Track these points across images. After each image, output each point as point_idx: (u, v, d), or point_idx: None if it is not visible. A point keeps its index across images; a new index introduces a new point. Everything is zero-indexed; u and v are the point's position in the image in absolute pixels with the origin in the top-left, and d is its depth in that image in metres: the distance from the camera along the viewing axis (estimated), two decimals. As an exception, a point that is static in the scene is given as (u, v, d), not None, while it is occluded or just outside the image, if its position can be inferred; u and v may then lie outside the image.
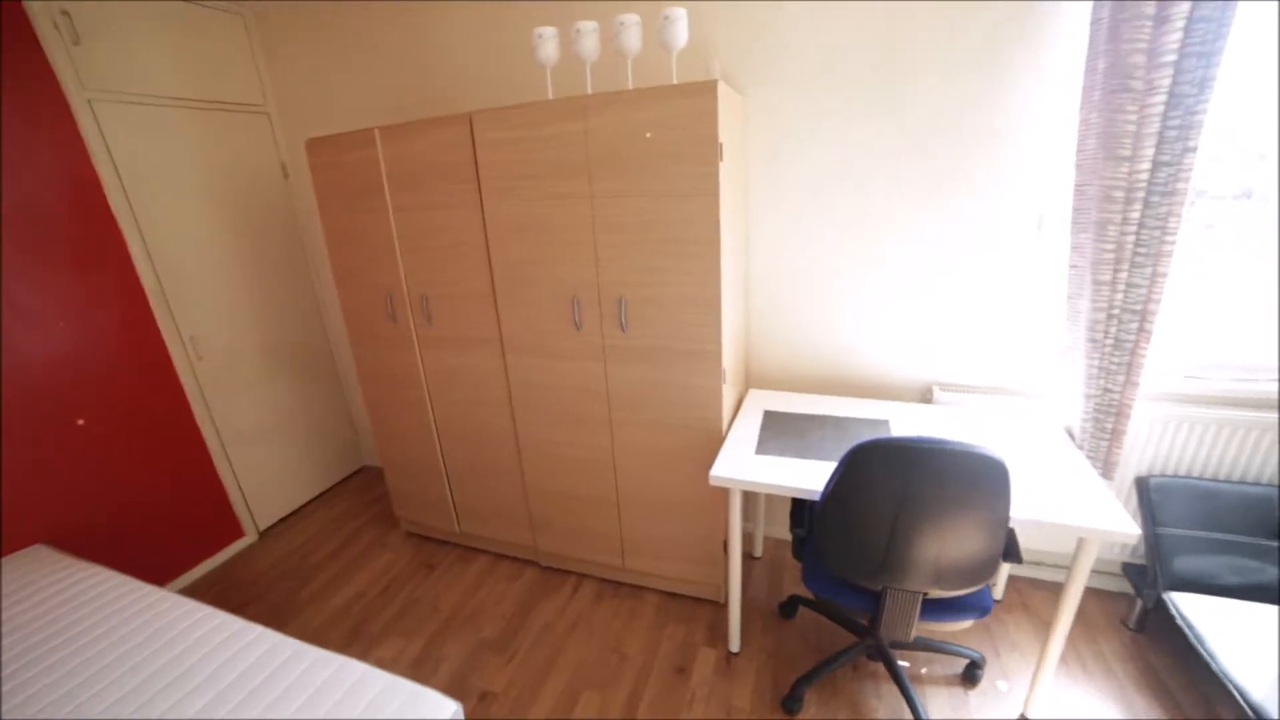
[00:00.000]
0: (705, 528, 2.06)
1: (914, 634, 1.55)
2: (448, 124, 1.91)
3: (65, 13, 2.13)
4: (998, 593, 2.15)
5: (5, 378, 2.05)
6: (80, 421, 2.27)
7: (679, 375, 1.87)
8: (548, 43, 1.85)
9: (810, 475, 1.62)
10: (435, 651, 2.10)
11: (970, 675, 1.84)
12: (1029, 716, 1.69)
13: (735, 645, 2.01)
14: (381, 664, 2.06)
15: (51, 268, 2.16)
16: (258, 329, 2.89)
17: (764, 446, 1.80)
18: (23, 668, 1.48)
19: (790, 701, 1.78)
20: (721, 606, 2.20)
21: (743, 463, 1.71)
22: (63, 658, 1.51)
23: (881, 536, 1.39)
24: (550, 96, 1.86)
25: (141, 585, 1.80)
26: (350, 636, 2.19)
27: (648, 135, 1.66)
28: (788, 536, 2.57)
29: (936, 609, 1.55)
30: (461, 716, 1.28)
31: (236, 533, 2.84)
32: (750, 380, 2.34)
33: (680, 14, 1.69)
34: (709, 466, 1.95)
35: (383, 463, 2.65)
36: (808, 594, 2.23)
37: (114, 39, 2.28)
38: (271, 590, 2.50)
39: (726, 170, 1.71)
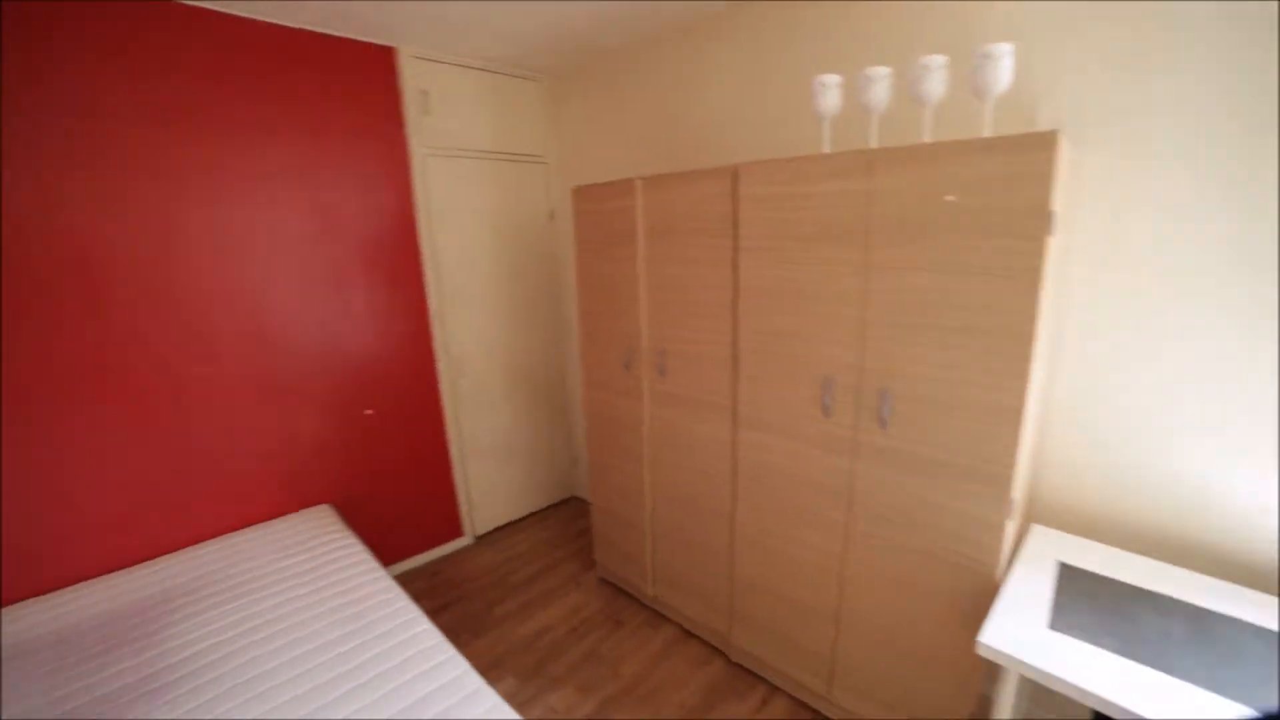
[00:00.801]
0: (950, 688, 1.59)
1: None
2: (710, 177, 1.82)
3: (424, 91, 2.61)
4: None
5: (338, 366, 2.53)
6: (368, 411, 2.68)
7: (945, 495, 1.48)
8: (831, 91, 1.66)
9: (1153, 693, 1.09)
10: (607, 717, 1.96)
11: None
12: None
13: None
14: (553, 713, 1.99)
15: (375, 284, 2.61)
16: (507, 355, 3.17)
17: (1063, 619, 1.29)
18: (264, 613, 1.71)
19: None
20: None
21: (1028, 636, 1.24)
22: (286, 613, 1.72)
23: None
24: (827, 149, 1.66)
25: (379, 569, 2.01)
26: (533, 671, 2.18)
27: (948, 199, 1.35)
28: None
29: None
30: None
31: (457, 533, 3.11)
32: (1032, 513, 1.78)
33: (1005, 51, 1.36)
34: (969, 616, 1.49)
35: (592, 501, 2.65)
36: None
37: (449, 106, 2.72)
38: (475, 598, 2.65)
39: (1053, 246, 1.31)
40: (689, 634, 2.37)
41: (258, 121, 2.22)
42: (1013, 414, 1.33)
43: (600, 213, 2.22)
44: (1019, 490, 1.43)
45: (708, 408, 2.00)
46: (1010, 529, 1.43)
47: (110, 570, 2.08)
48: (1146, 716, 1.04)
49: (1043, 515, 1.74)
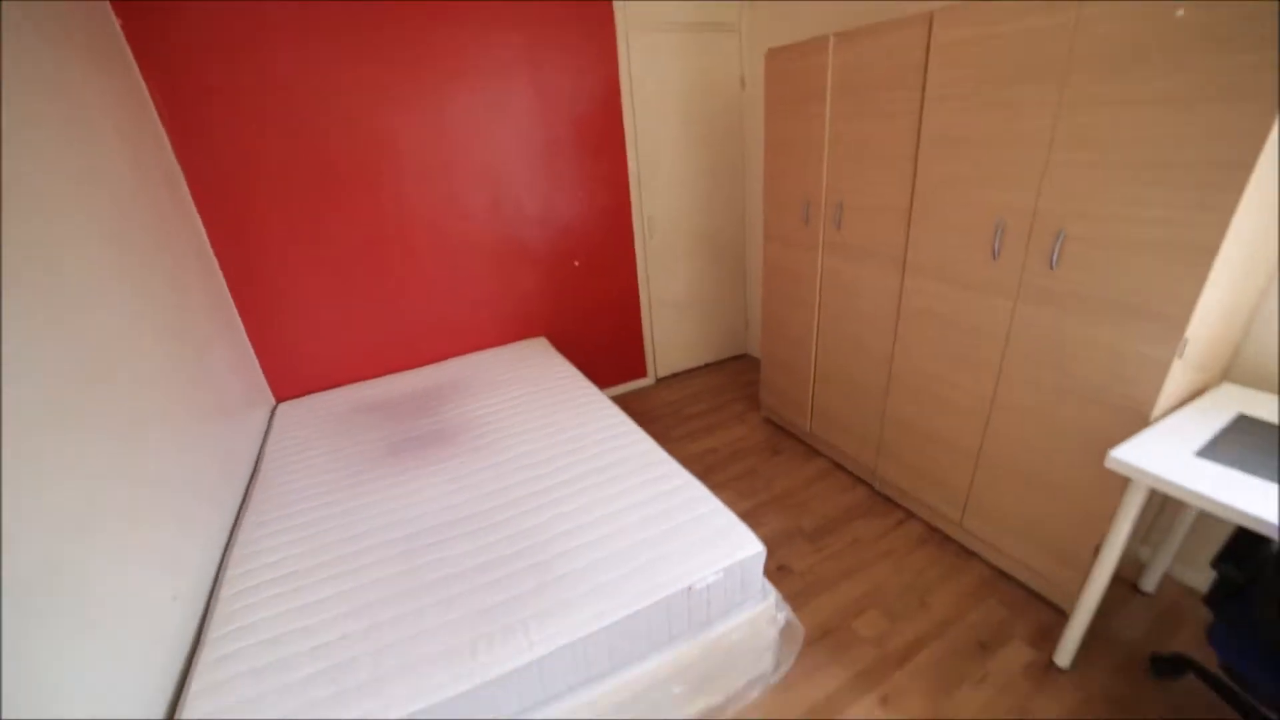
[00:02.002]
0: (1078, 521, 1.72)
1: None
2: (905, 26, 1.84)
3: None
4: None
5: (554, 225, 3.05)
6: (576, 263, 3.23)
7: (1109, 334, 1.52)
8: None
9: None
10: (758, 516, 2.40)
11: None
12: None
13: (1065, 661, 1.70)
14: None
15: (584, 152, 3.03)
16: (692, 218, 3.48)
17: (1215, 451, 1.34)
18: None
19: None
20: (1062, 614, 1.86)
21: (1167, 457, 1.34)
22: (524, 400, 2.35)
23: None
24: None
25: (587, 381, 2.58)
26: (699, 476, 2.66)
27: (1179, 13, 1.26)
28: (1195, 582, 1.93)
29: None
30: (763, 559, 1.50)
31: (641, 373, 3.68)
32: (1233, 373, 1.70)
33: None
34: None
35: (761, 351, 2.99)
36: (1206, 662, 1.68)
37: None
38: (655, 423, 3.21)
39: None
40: (838, 466, 2.69)
41: (494, 16, 2.63)
42: (1201, 252, 1.31)
43: (792, 72, 2.32)
44: (1197, 333, 1.42)
45: (878, 257, 2.14)
46: (1179, 372, 1.45)
47: (401, 370, 2.94)
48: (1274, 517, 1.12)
49: (1244, 376, 1.67)
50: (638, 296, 3.46)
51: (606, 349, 3.48)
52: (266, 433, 2.43)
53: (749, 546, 1.47)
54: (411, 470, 1.98)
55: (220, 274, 2.46)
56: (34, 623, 0.99)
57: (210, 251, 2.41)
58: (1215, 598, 1.34)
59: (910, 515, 2.34)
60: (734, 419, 3.19)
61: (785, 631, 1.64)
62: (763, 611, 1.52)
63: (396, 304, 2.86)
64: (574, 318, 3.32)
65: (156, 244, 1.91)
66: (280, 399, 2.77)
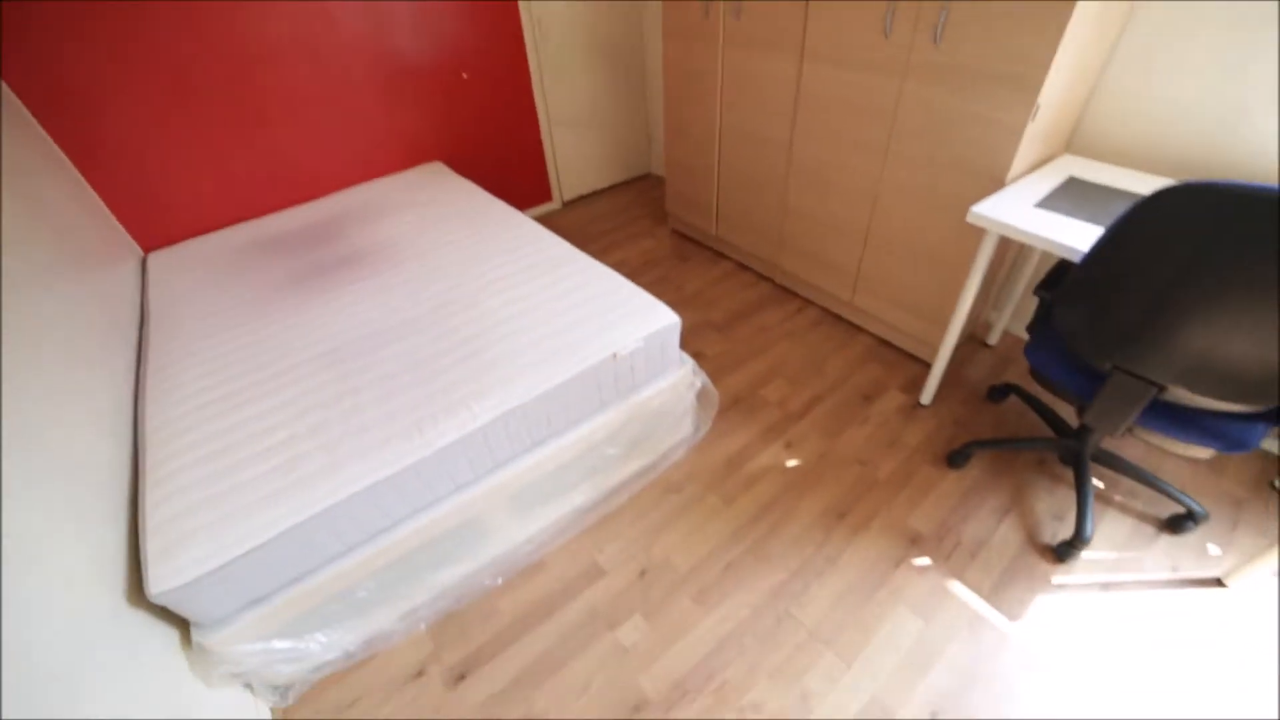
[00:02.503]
0: (944, 283, 2.00)
1: (1125, 430, 1.43)
2: None
3: None
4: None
5: (437, 35, 2.71)
6: (465, 75, 2.94)
7: (981, 104, 1.65)
8: None
9: (1091, 238, 1.42)
10: None
11: (1176, 524, 1.65)
12: (1226, 582, 1.52)
13: (926, 398, 2.08)
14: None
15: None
16: (587, 20, 3.19)
17: (1049, 203, 1.59)
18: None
19: (956, 457, 1.86)
20: (928, 367, 2.24)
21: (1013, 209, 1.57)
22: (434, 220, 2.28)
23: (1141, 308, 1.20)
24: None
25: (490, 196, 2.50)
26: (615, 288, 2.80)
27: None
28: (1024, 333, 2.36)
29: (1173, 418, 1.38)
30: (679, 329, 1.67)
31: (547, 197, 3.59)
32: (1072, 145, 1.94)
33: None
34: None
35: (665, 156, 2.97)
36: (1025, 383, 2.13)
37: None
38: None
39: None
40: (743, 266, 2.88)
41: None
42: (1057, 18, 1.42)
43: None
44: (1050, 98, 1.59)
45: (778, 47, 2.12)
46: (1030, 139, 1.63)
47: (289, 206, 2.70)
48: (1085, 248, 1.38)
49: (1084, 147, 1.90)
50: (535, 114, 3.25)
51: (508, 173, 3.33)
52: (144, 285, 2.23)
53: (665, 318, 1.62)
54: (323, 295, 1.93)
55: (23, 107, 2.04)
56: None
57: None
58: (1034, 324, 1.66)
59: (808, 302, 2.61)
60: (642, 233, 3.26)
61: (702, 397, 1.87)
62: (682, 377, 1.72)
63: (273, 137, 2.55)
64: (470, 140, 3.11)
65: None
66: (149, 249, 2.50)
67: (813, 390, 2.18)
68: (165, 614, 1.27)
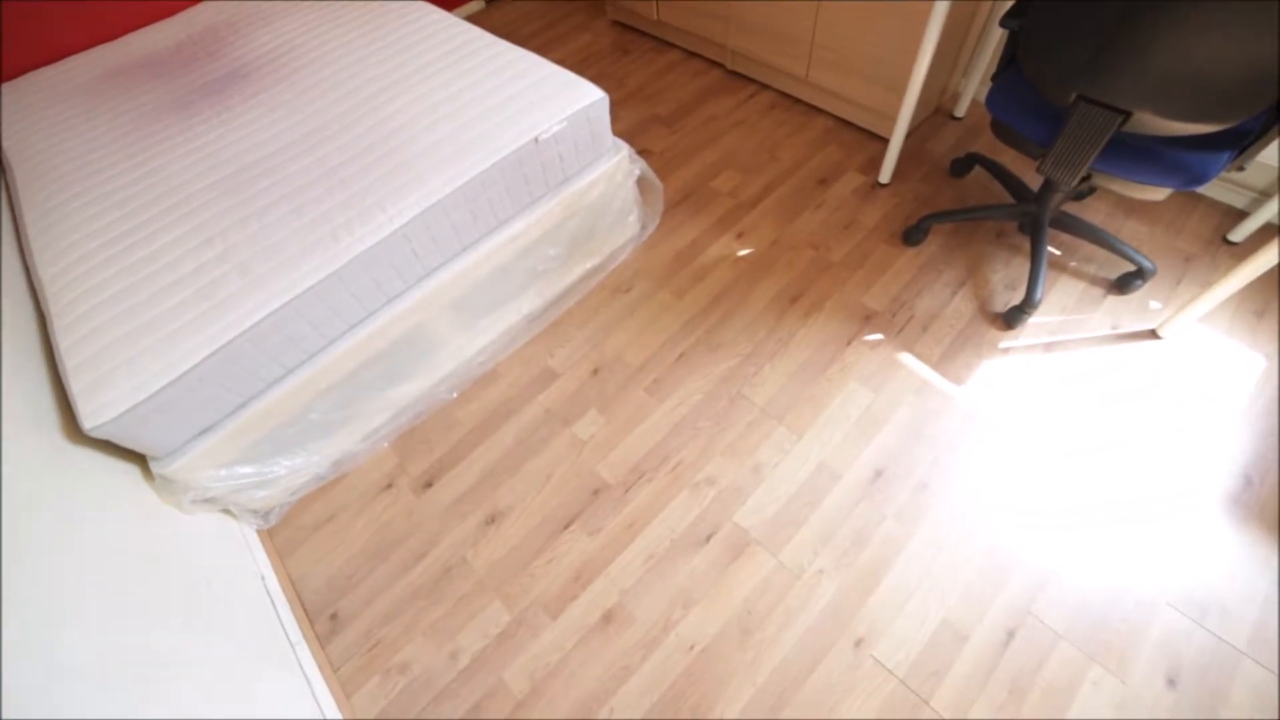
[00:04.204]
0: (903, 43, 1.78)
1: (1086, 172, 1.35)
2: None
3: None
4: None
5: None
6: None
7: None
8: None
9: None
10: (614, 112, 2.32)
11: (1124, 283, 1.64)
12: (1160, 333, 1.55)
13: (885, 177, 1.97)
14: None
15: None
16: None
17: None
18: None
19: (913, 233, 1.80)
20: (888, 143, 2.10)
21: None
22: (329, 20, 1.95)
23: (1113, 19, 1.08)
24: None
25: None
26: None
27: None
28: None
29: (1131, 157, 1.30)
30: (607, 107, 1.50)
31: (468, -3, 3.09)
32: None
33: None
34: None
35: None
36: (990, 151, 2.01)
37: None
38: None
39: None
40: (691, 54, 2.58)
41: None
42: None
43: None
44: None
45: None
46: None
47: (153, 22, 2.27)
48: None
49: None
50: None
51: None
52: (-2, 122, 1.94)
53: (590, 95, 1.45)
54: (213, 117, 1.69)
55: None
56: None
57: None
58: (998, 68, 1.50)
59: (762, 87, 2.37)
60: (578, 29, 2.86)
61: (646, 190, 1.75)
62: (618, 164, 1.59)
63: None
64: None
65: None
66: (2, 80, 2.15)
67: (766, 178, 2.05)
68: (116, 450, 1.26)
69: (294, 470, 1.46)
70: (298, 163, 1.47)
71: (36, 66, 2.17)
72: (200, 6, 2.31)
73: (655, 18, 2.56)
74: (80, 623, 0.90)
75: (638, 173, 1.65)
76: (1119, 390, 1.48)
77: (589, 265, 1.75)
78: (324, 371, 1.35)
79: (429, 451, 1.55)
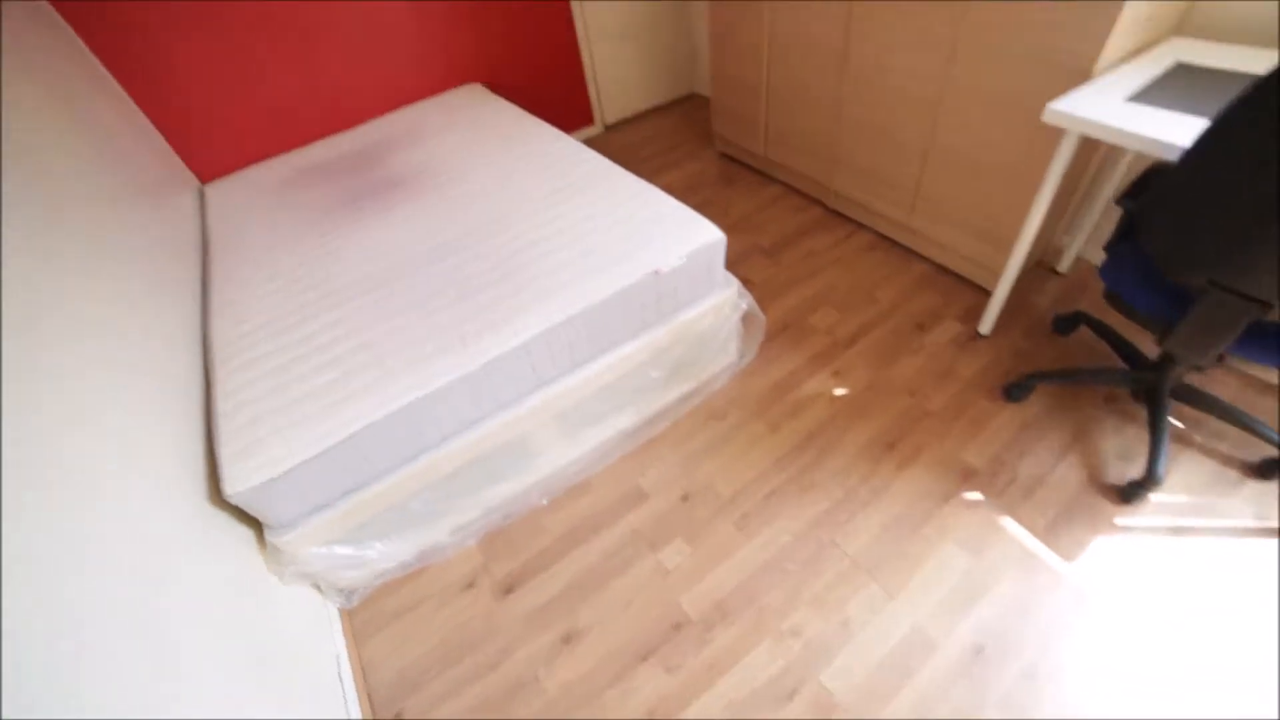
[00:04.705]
0: (1012, 201, 1.84)
1: (1216, 356, 1.31)
2: None
3: None
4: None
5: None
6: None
7: (1066, -14, 1.45)
8: None
9: (1196, 132, 1.23)
10: None
11: (1267, 470, 1.50)
12: None
13: (985, 328, 1.97)
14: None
15: None
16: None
17: (1146, 96, 1.39)
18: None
19: (1015, 389, 1.75)
20: (989, 295, 2.10)
21: (1099, 103, 1.38)
22: (472, 141, 2.23)
23: (1250, 211, 1.04)
24: None
25: (536, 119, 2.42)
26: (658, 215, 2.72)
27: None
28: (1100, 258, 2.16)
29: (1274, 346, 1.25)
30: (724, 246, 1.60)
31: (589, 120, 3.46)
32: (1184, 27, 1.68)
33: None
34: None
35: (711, 71, 2.78)
36: (1098, 311, 1.98)
37: None
38: None
39: None
40: (792, 189, 2.74)
41: None
42: None
43: None
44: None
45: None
46: (1127, 18, 1.42)
47: (331, 134, 2.68)
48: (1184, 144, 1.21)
49: (1198, 27, 1.64)
50: (573, 28, 3.08)
51: (548, 95, 3.20)
52: (203, 214, 2.29)
53: (710, 234, 1.56)
54: (369, 218, 1.94)
55: (84, 46, 2.06)
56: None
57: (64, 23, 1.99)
58: (1113, 240, 1.51)
59: (861, 227, 2.47)
60: (688, 156, 3.12)
61: (748, 321, 1.82)
62: (726, 298, 1.67)
63: (308, 63, 2.50)
64: (508, 60, 2.98)
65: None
66: (205, 180, 2.55)
67: (863, 318, 2.09)
68: (241, 516, 1.36)
69: (385, 554, 1.51)
70: (436, 267, 1.65)
71: (243, 167, 2.57)
72: (370, 124, 2.70)
73: (761, 153, 2.77)
74: (176, 671, 0.94)
75: (744, 307, 1.73)
76: (1267, 593, 1.34)
77: (687, 388, 1.81)
78: (434, 465, 1.43)
79: (514, 555, 1.58)
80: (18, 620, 0.71)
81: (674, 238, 1.56)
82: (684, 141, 3.26)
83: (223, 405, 1.38)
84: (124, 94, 2.21)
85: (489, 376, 1.38)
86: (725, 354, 1.84)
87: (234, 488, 1.23)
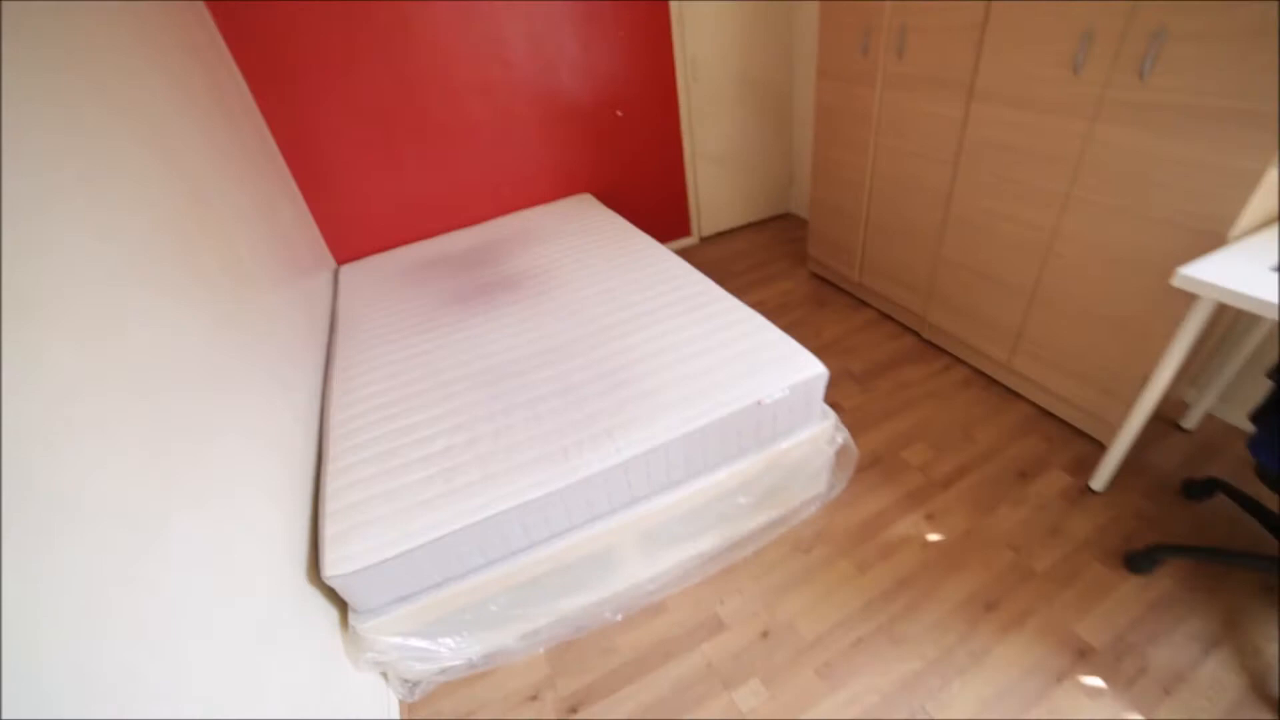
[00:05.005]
0: (1129, 353, 1.75)
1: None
2: None
3: None
4: None
5: (591, 72, 2.90)
6: (619, 113, 3.10)
7: (1197, 149, 1.44)
8: None
9: None
10: None
11: None
12: None
13: (1099, 484, 1.82)
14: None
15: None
16: (737, 59, 3.25)
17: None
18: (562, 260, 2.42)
19: (1140, 559, 1.58)
20: (1101, 447, 1.96)
21: (1240, 272, 1.32)
22: (579, 248, 2.39)
23: None
24: None
25: (636, 230, 2.59)
26: (747, 328, 2.77)
27: None
28: (1237, 421, 1.99)
29: None
30: (825, 381, 1.60)
31: (685, 232, 3.66)
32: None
33: None
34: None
35: (810, 201, 2.91)
36: (1239, 479, 1.79)
37: None
38: None
39: None
40: (886, 316, 2.73)
41: None
42: None
43: None
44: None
45: (942, 85, 2.01)
46: (1269, 183, 1.38)
47: (452, 230, 2.98)
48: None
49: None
50: (681, 150, 3.35)
51: (650, 206, 3.44)
52: (335, 293, 2.56)
53: (813, 368, 1.57)
54: (481, 314, 2.09)
55: (269, 134, 2.45)
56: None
57: (257, 109, 2.38)
58: (1262, 412, 1.39)
59: (957, 360, 2.41)
60: (780, 274, 3.21)
61: (841, 454, 1.78)
62: (823, 431, 1.65)
63: (442, 164, 2.84)
64: (618, 174, 3.26)
65: (218, 105, 1.92)
66: (340, 262, 2.87)
67: (960, 459, 1.99)
68: (330, 595, 1.41)
69: (455, 652, 1.50)
70: (541, 373, 1.73)
71: (373, 253, 2.88)
72: (487, 224, 2.97)
73: (855, 279, 2.81)
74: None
75: (841, 441, 1.70)
76: None
77: (773, 516, 1.76)
78: (517, 570, 1.44)
79: (582, 672, 1.53)
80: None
81: (777, 368, 1.58)
82: (777, 259, 3.37)
83: (332, 484, 1.47)
84: (289, 174, 2.57)
85: (586, 490, 1.41)
86: (815, 484, 1.79)
87: (334, 570, 1.28)
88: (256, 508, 1.25)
